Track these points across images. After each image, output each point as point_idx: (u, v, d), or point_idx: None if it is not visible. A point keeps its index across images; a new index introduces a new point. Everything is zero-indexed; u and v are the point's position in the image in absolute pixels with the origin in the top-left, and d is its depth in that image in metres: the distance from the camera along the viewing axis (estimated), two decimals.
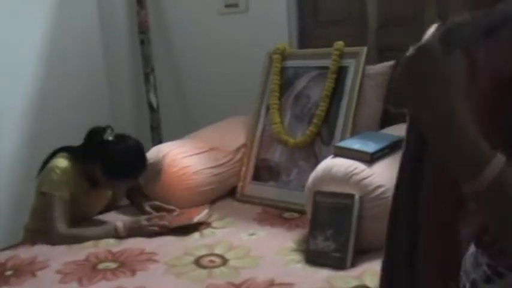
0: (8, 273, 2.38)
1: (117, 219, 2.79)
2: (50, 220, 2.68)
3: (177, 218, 2.76)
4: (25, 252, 2.56)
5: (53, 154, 2.83)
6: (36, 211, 2.83)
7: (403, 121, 3.05)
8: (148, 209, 2.88)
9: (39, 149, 3.52)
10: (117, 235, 2.65)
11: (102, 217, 2.89)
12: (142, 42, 3.87)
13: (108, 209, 2.99)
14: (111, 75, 4.13)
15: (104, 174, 2.74)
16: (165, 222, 2.70)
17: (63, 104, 3.70)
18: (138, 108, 4.01)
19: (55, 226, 2.66)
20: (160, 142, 3.67)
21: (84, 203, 2.82)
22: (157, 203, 2.91)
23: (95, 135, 2.79)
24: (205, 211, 2.81)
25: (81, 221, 2.80)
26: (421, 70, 0.97)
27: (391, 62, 2.97)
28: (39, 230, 2.77)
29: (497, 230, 0.98)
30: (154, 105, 3.89)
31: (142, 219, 2.72)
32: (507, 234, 0.96)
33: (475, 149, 0.94)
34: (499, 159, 0.93)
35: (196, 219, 2.72)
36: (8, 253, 2.57)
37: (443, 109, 0.94)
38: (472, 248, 1.27)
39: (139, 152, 2.81)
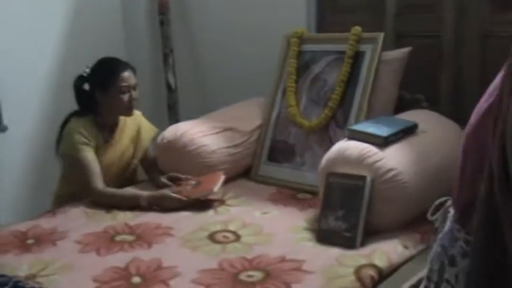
0: (30, 241, 2.47)
1: None
2: (84, 181, 2.82)
3: (196, 189, 2.83)
4: (46, 223, 2.64)
5: (65, 122, 2.97)
6: (63, 177, 3.00)
7: (418, 107, 3.12)
8: (164, 180, 2.96)
9: (60, 122, 3.62)
10: (139, 203, 2.75)
11: None
12: (162, 23, 3.91)
13: (127, 184, 3.07)
14: (131, 56, 4.17)
15: (101, 95, 2.89)
16: (184, 196, 2.78)
17: None
18: (156, 87, 4.06)
19: (91, 185, 2.81)
20: (177, 122, 3.72)
21: (105, 158, 2.93)
22: (172, 173, 2.99)
23: (77, 82, 2.98)
24: (222, 178, 2.85)
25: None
26: None
27: (408, 48, 3.01)
28: (68, 195, 2.92)
29: None
30: (173, 85, 3.95)
31: (166, 191, 2.81)
32: None
33: None
34: None
35: (215, 188, 2.78)
36: (29, 223, 2.65)
37: None
38: (449, 225, 1.33)
39: (110, 57, 3.01)
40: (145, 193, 2.81)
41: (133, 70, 2.97)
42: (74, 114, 2.96)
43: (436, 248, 1.37)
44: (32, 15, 3.63)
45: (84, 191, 2.84)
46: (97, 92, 2.91)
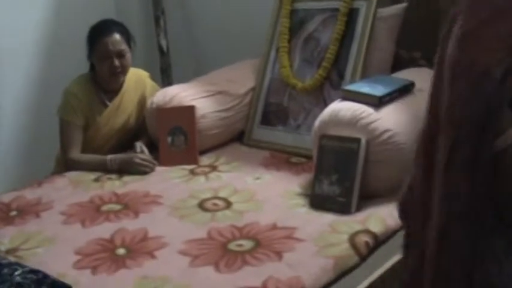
0: (13, 213, 2.39)
1: None
2: (61, 145, 2.84)
3: (181, 157, 2.82)
4: (30, 193, 2.56)
5: None
6: None
7: (415, 65, 2.99)
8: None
9: (47, 92, 3.55)
10: (108, 166, 2.73)
11: None
12: None
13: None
14: (121, 18, 4.02)
15: (91, 58, 2.87)
16: (154, 162, 2.78)
17: (72, 46, 3.64)
18: (148, 51, 3.95)
19: (65, 152, 2.82)
20: (170, 85, 3.62)
21: (108, 121, 2.90)
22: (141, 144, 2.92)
23: None
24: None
25: (103, 145, 2.92)
26: None
27: (404, 4, 2.89)
28: None
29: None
30: (165, 48, 3.84)
31: (135, 157, 2.76)
32: None
33: None
34: None
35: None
36: (13, 194, 2.57)
37: None
38: None
39: (104, 20, 2.94)
40: (112, 156, 2.77)
41: (124, 34, 2.87)
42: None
43: None
44: None
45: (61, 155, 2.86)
46: (89, 54, 2.88)
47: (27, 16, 3.58)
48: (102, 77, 2.87)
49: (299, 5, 3.07)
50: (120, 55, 2.82)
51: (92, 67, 2.92)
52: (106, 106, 2.91)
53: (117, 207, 2.39)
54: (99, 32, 2.83)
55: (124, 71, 2.87)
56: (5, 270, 1.72)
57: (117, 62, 2.81)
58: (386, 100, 2.36)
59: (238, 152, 2.95)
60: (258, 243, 2.04)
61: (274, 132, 2.99)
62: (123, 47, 2.83)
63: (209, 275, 1.88)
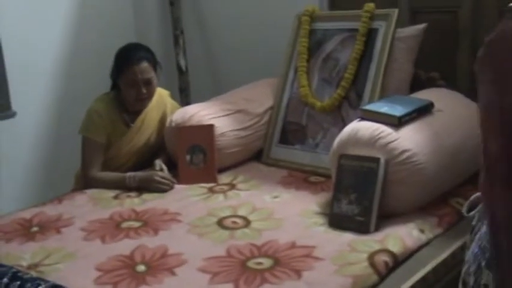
0: (34, 229, 2.42)
1: None
2: (82, 163, 2.86)
3: (199, 176, 2.83)
4: (51, 210, 2.59)
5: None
6: None
7: (433, 86, 3.01)
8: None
9: (67, 110, 3.59)
10: (127, 183, 2.75)
11: None
12: (171, 3, 3.83)
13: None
14: (141, 37, 4.11)
15: (118, 81, 2.87)
16: (173, 180, 2.80)
17: (92, 65, 3.71)
18: (167, 70, 3.99)
19: (86, 170, 2.84)
20: (188, 104, 3.65)
21: (130, 141, 2.92)
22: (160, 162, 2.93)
23: None
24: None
25: (124, 163, 2.94)
26: None
27: (423, 25, 2.90)
28: None
29: None
30: (183, 67, 3.88)
31: (154, 174, 2.77)
32: None
33: None
34: None
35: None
36: (34, 210, 2.60)
37: None
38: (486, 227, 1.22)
39: (133, 45, 2.98)
40: (132, 174, 2.79)
41: (151, 62, 2.89)
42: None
43: (473, 248, 1.27)
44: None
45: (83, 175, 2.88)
46: (115, 75, 2.90)
47: (48, 34, 3.63)
48: (128, 101, 2.89)
49: (318, 25, 3.09)
50: (148, 83, 2.85)
51: (114, 85, 2.94)
52: (128, 126, 2.93)
53: (136, 224, 2.40)
54: (128, 58, 2.84)
55: (150, 96, 2.91)
56: (28, 285, 1.74)
57: (144, 90, 2.84)
58: (406, 120, 2.37)
59: (256, 171, 2.96)
60: (277, 262, 2.04)
61: (292, 151, 3.01)
62: (151, 75, 2.86)
63: None
